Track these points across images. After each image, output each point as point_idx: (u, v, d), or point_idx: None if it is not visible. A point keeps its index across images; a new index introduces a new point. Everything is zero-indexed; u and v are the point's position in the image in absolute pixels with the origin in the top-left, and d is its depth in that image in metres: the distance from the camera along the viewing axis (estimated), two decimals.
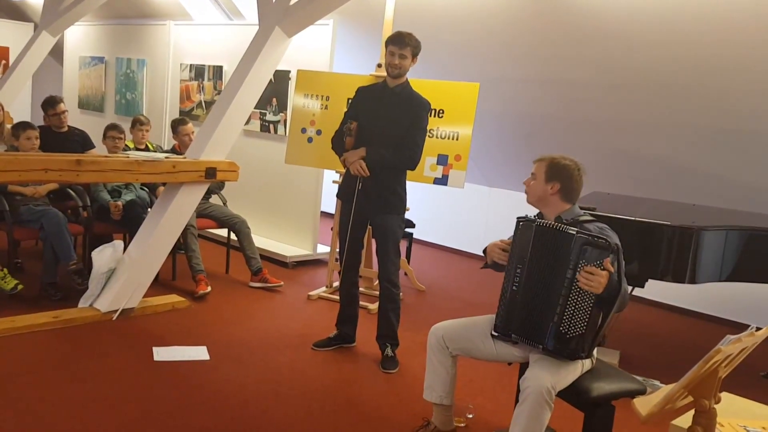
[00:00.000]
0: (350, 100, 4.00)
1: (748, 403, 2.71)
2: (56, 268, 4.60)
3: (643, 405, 2.08)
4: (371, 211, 3.90)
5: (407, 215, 5.73)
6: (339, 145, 3.93)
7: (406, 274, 5.84)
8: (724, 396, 2.60)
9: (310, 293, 5.21)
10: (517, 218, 2.80)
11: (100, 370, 3.55)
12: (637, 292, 4.16)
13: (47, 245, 4.53)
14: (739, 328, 3.23)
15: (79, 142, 5.41)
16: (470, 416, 3.35)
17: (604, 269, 2.49)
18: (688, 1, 4.35)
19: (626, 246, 2.79)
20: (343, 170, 4.07)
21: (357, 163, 3.77)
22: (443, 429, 3.03)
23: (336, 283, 5.36)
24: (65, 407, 3.11)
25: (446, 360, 2.93)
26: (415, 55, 3.81)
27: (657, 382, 3.89)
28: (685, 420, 2.33)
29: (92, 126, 6.79)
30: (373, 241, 4.14)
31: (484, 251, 2.94)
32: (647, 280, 3.99)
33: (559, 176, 2.76)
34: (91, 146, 5.51)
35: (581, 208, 2.93)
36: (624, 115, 5.29)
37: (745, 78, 4.47)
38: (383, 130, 3.81)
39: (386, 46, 3.81)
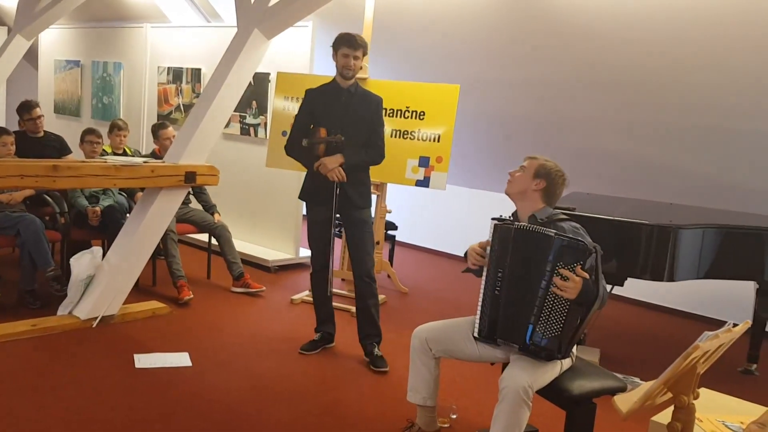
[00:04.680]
0: (302, 104, 3.99)
1: (726, 398, 2.74)
2: (34, 275, 4.54)
3: (624, 402, 2.10)
4: (348, 208, 3.93)
5: (389, 217, 5.77)
6: (302, 152, 3.88)
7: (389, 276, 5.84)
8: (703, 392, 2.64)
9: (293, 297, 5.20)
10: (492, 219, 2.80)
11: (80, 378, 3.52)
12: (617, 290, 4.20)
13: (24, 252, 4.47)
14: (716, 324, 3.28)
15: (55, 147, 5.36)
16: (454, 416, 3.36)
17: (578, 275, 2.52)
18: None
19: (605, 245, 2.82)
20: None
21: (336, 170, 3.78)
22: (427, 430, 3.04)
23: None
24: (45, 417, 3.07)
25: (429, 362, 2.95)
26: (364, 54, 3.90)
27: (637, 380, 3.92)
28: (665, 416, 2.35)
29: (69, 131, 6.74)
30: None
31: (465, 255, 2.95)
32: (626, 279, 4.04)
33: (548, 177, 2.80)
34: (68, 151, 5.45)
35: (560, 208, 2.96)
36: (602, 115, 5.34)
37: (722, 76, 4.53)
38: (349, 132, 3.84)
39: (337, 48, 3.82)
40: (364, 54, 3.90)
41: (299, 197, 4.10)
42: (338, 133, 3.82)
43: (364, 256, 3.96)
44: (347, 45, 3.78)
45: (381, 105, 3.99)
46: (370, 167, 4.04)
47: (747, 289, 4.70)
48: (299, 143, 3.87)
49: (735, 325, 2.08)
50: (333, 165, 3.78)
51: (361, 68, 3.95)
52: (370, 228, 4.01)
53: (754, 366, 4.39)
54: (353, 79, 3.91)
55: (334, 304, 4.27)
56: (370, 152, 3.92)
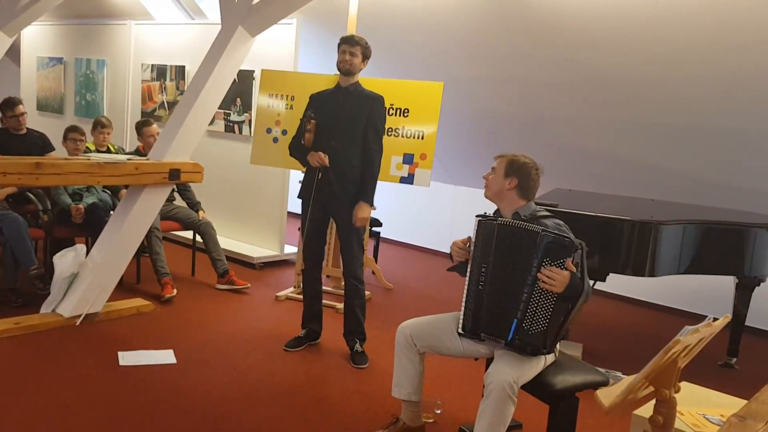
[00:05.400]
0: (306, 109, 4.08)
1: (707, 391, 2.78)
2: (17, 273, 4.51)
3: (606, 396, 2.12)
4: (335, 205, 3.94)
5: (374, 214, 5.77)
6: (298, 148, 4.00)
7: (373, 272, 5.86)
8: (684, 385, 2.67)
9: (278, 294, 5.20)
10: (476, 216, 2.82)
11: (64, 376, 3.50)
12: (599, 285, 4.24)
13: (7, 250, 4.43)
14: (696, 319, 3.32)
15: (38, 144, 5.30)
16: (438, 412, 3.38)
17: (566, 269, 2.54)
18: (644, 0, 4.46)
19: (588, 241, 2.85)
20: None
21: (317, 156, 3.84)
22: (412, 425, 3.06)
23: None
24: (29, 416, 3.06)
25: (414, 357, 2.96)
26: (365, 57, 3.97)
27: (619, 374, 3.97)
28: (647, 410, 2.39)
29: (52, 128, 6.67)
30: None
31: (450, 254, 2.97)
32: (608, 274, 4.07)
33: (517, 173, 2.81)
34: (51, 149, 5.40)
35: (543, 204, 2.98)
36: (584, 113, 5.38)
37: (700, 77, 4.58)
38: (341, 128, 3.89)
39: (338, 48, 3.94)
40: (365, 55, 3.95)
41: (297, 196, 4.12)
42: (333, 132, 3.87)
43: (350, 258, 3.99)
44: (344, 42, 3.91)
45: (378, 102, 3.96)
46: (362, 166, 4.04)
47: (727, 284, 4.77)
48: (298, 144, 3.99)
49: (715, 319, 2.10)
50: (366, 215, 3.93)
51: (360, 67, 3.94)
52: (357, 230, 3.99)
53: (734, 360, 4.45)
54: (353, 78, 3.95)
55: None
56: (371, 160, 3.92)
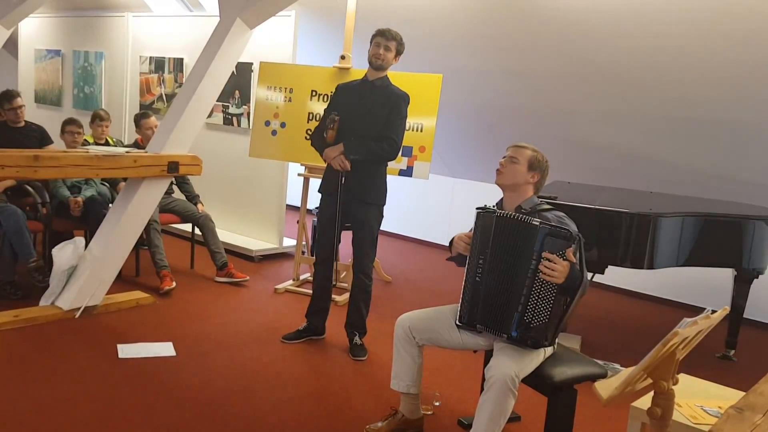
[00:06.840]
0: (330, 98, 4.06)
1: (705, 383, 2.79)
2: (14, 266, 4.51)
3: (604, 388, 2.12)
4: (352, 203, 3.92)
5: None
6: (318, 141, 3.96)
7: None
8: (682, 377, 2.69)
9: (277, 287, 5.20)
10: (476, 209, 2.83)
11: (63, 369, 3.51)
12: (597, 278, 4.25)
13: (6, 243, 4.43)
14: (695, 311, 3.32)
15: (36, 137, 5.29)
16: (437, 404, 3.39)
17: (566, 259, 2.55)
18: None
19: (586, 233, 2.85)
20: (319, 164, 4.09)
21: (338, 159, 3.80)
22: (410, 417, 3.06)
23: (303, 276, 5.37)
24: (28, 408, 3.06)
25: (413, 350, 2.97)
26: (399, 53, 3.91)
27: (617, 366, 3.97)
28: (645, 401, 2.40)
29: (50, 121, 6.66)
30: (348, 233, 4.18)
31: (450, 243, 2.97)
32: (607, 267, 4.08)
33: (539, 169, 2.85)
34: (49, 141, 5.39)
35: (542, 197, 2.99)
36: (583, 105, 5.38)
37: (699, 68, 4.57)
38: (363, 122, 3.85)
39: (372, 40, 3.88)
40: (399, 51, 3.90)
41: (318, 190, 4.10)
42: (353, 127, 3.83)
43: (361, 255, 3.98)
44: (380, 35, 3.85)
45: (402, 99, 3.90)
46: (385, 166, 4.01)
47: (725, 276, 4.77)
48: (317, 133, 3.96)
49: (713, 311, 2.10)
50: (333, 154, 3.82)
51: (391, 62, 3.90)
52: (370, 228, 3.95)
53: (732, 352, 4.46)
54: (382, 73, 3.90)
55: None
56: (380, 144, 3.82)
